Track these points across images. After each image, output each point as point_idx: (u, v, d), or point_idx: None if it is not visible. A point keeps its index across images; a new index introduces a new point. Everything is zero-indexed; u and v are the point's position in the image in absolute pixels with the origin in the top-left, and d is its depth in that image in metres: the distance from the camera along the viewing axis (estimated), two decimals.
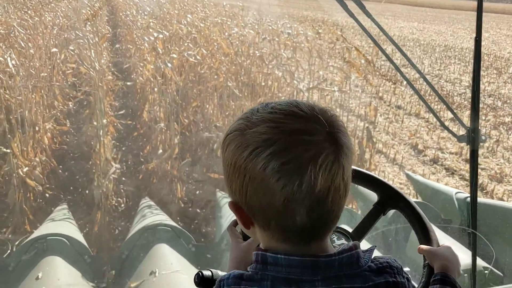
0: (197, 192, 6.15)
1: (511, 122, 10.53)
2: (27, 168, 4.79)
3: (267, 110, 0.80)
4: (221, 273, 1.16)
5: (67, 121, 7.66)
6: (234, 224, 1.16)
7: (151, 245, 3.83)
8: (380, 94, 11.88)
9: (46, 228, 3.95)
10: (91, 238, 4.89)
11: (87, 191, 5.58)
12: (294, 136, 0.76)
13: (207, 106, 7.02)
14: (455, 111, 2.33)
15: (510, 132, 9.90)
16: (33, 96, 5.55)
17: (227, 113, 6.85)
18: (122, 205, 5.65)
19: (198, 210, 5.89)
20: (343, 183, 0.78)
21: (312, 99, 6.44)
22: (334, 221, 0.81)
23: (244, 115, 0.83)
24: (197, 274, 1.16)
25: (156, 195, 5.61)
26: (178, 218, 5.45)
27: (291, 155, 0.75)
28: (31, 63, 5.80)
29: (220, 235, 4.16)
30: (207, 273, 1.15)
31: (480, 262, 3.21)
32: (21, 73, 5.14)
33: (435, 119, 10.19)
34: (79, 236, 3.97)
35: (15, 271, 3.57)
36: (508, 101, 12.36)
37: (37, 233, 3.89)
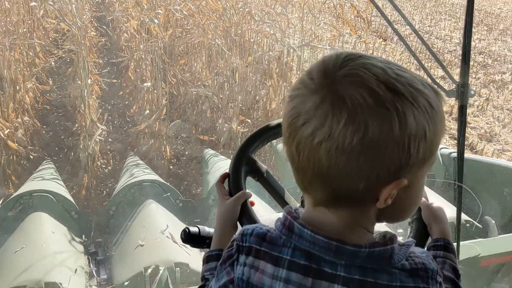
0: (186, 152, 6.05)
1: (501, 81, 10.48)
2: (8, 130, 4.60)
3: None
4: (208, 229, 1.16)
5: (50, 79, 7.39)
6: (222, 180, 1.14)
7: (138, 201, 3.78)
8: (371, 51, 11.68)
9: (31, 185, 3.86)
10: (78, 201, 4.79)
11: (72, 153, 5.43)
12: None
13: (195, 64, 6.80)
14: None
15: (500, 91, 9.85)
16: (11, 54, 5.27)
17: (215, 71, 6.65)
18: (109, 167, 5.53)
19: (187, 171, 5.80)
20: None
21: (303, 56, 6.26)
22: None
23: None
24: (184, 230, 1.15)
25: (144, 156, 5.49)
26: (167, 178, 5.36)
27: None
28: (8, 19, 5.49)
29: (207, 191, 4.13)
30: (194, 229, 1.15)
31: (463, 216, 3.21)
32: None
33: (425, 76, 10.05)
34: (65, 193, 3.89)
35: (1, 228, 3.51)
36: (499, 58, 12.26)
37: (22, 189, 3.81)
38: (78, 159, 4.73)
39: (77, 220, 3.77)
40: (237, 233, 0.83)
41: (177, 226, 3.87)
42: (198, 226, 1.17)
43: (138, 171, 4.29)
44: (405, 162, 0.69)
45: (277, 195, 1.18)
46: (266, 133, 1.17)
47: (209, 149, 5.26)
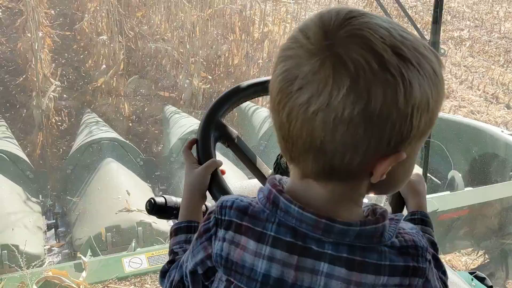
0: (146, 109, 5.87)
1: (460, 37, 10.65)
2: None
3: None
4: (175, 199, 1.09)
5: None
6: (189, 146, 1.06)
7: (96, 160, 3.67)
8: (333, 5, 11.53)
9: None
10: (34, 160, 4.60)
11: (25, 110, 5.17)
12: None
13: (153, 16, 6.51)
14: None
15: (458, 47, 10.02)
16: None
17: (175, 24, 6.40)
18: (65, 124, 5.31)
19: (147, 129, 5.66)
20: None
21: (266, 10, 6.10)
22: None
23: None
24: (149, 201, 1.07)
25: (102, 113, 5.29)
26: (126, 136, 5.22)
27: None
28: None
29: (169, 149, 4.04)
30: (159, 199, 1.07)
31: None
32: None
33: None
34: (19, 153, 3.72)
35: None
36: (457, 15, 12.41)
37: None
38: (31, 116, 4.50)
39: (32, 180, 3.63)
40: (214, 204, 0.76)
41: (138, 185, 3.81)
42: (164, 196, 1.09)
43: (96, 129, 4.15)
44: (406, 134, 0.64)
45: (248, 162, 1.12)
46: (237, 95, 1.10)
47: (170, 105, 5.13)
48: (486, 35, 10.31)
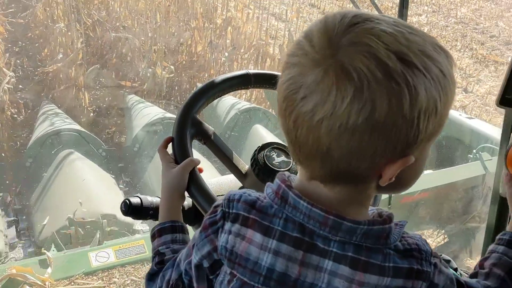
0: (107, 99, 5.71)
1: (418, 23, 10.86)
2: None
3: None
4: (150, 198, 1.07)
5: None
6: (165, 145, 1.04)
7: (57, 151, 3.56)
8: None
9: None
10: None
11: None
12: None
13: (112, 3, 6.31)
14: None
15: None
16: None
17: (134, 10, 6.22)
18: (21, 116, 5.10)
19: (108, 120, 5.51)
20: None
21: None
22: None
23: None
24: (124, 202, 1.05)
25: (61, 104, 5.11)
26: (87, 127, 5.07)
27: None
28: None
29: (132, 139, 3.98)
30: (135, 200, 1.05)
31: None
32: None
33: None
34: None
35: None
36: (416, 0, 12.63)
37: None
38: None
39: None
40: (222, 198, 0.76)
41: (101, 177, 3.72)
42: (140, 196, 1.07)
43: (55, 120, 4.01)
44: (413, 139, 0.64)
45: (225, 158, 1.11)
46: (211, 90, 1.09)
47: (132, 95, 5.01)
48: (443, 20, 10.55)
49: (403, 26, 0.64)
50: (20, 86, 5.30)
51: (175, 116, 1.08)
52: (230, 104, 4.50)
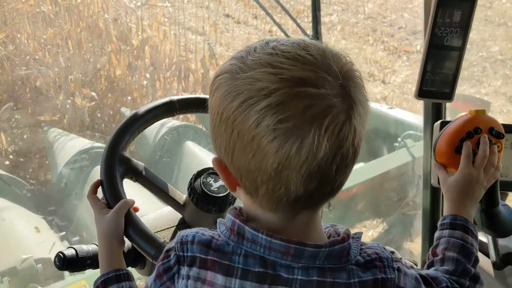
0: (25, 137, 5.39)
1: (330, 22, 11.28)
2: None
3: (267, 51, 0.64)
4: (85, 247, 1.02)
5: None
6: (94, 190, 1.00)
7: None
8: (207, 3, 11.57)
9: None
10: None
11: None
12: (297, 87, 0.61)
13: (19, 35, 5.98)
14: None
15: (331, 32, 10.60)
16: None
17: (41, 41, 5.94)
18: None
19: (30, 158, 5.19)
20: (352, 149, 0.65)
21: (142, 16, 5.91)
22: (335, 192, 0.69)
23: (238, 53, 0.67)
24: (57, 256, 0.99)
25: None
26: (8, 170, 4.75)
27: (291, 111, 0.61)
28: None
29: (57, 175, 3.82)
30: (69, 252, 1.00)
31: None
32: None
33: (263, 26, 10.41)
34: None
35: None
36: (325, 0, 13.11)
37: None
38: None
39: None
40: (174, 241, 0.72)
41: (28, 219, 3.49)
42: (73, 246, 1.01)
43: None
44: None
45: (160, 192, 1.08)
46: (135, 124, 1.05)
47: (53, 128, 4.75)
48: (353, 17, 11.02)
49: None
50: None
51: (102, 145, 1.04)
52: (157, 124, 4.38)
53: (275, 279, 0.68)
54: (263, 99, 0.61)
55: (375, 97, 6.78)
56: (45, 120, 4.81)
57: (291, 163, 0.62)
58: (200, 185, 1.07)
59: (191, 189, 1.07)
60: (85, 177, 3.76)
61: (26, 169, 5.02)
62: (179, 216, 1.10)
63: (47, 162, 5.06)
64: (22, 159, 5.08)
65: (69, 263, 0.99)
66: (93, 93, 5.07)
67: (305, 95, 0.61)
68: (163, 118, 1.13)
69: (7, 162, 4.68)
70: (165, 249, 0.74)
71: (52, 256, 3.21)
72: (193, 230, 0.72)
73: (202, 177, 1.08)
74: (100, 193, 1.00)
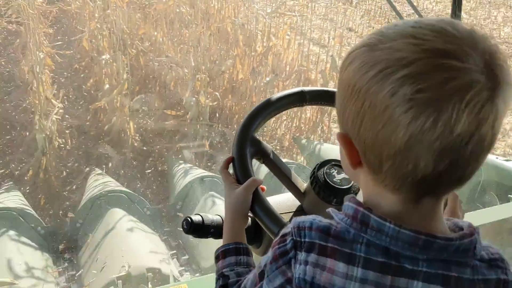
0: (149, 128, 5.75)
1: None
2: None
3: (409, 24, 0.63)
4: (211, 217, 1.08)
5: None
6: (226, 165, 1.05)
7: (104, 211, 3.60)
8: (331, 16, 11.51)
9: None
10: (37, 185, 4.46)
11: (27, 132, 5.03)
12: (440, 58, 0.59)
13: (155, 33, 6.40)
14: None
15: None
16: None
17: (175, 40, 6.30)
18: (68, 146, 5.17)
19: (152, 148, 5.53)
20: (492, 132, 0.62)
21: (269, 23, 6.00)
22: (463, 180, 0.65)
23: (378, 29, 0.66)
24: (186, 220, 1.07)
25: (107, 134, 5.17)
26: (132, 156, 5.09)
27: (431, 82, 0.59)
28: None
29: (175, 197, 4.01)
30: (196, 218, 1.07)
31: None
32: None
33: None
34: (29, 209, 3.61)
35: None
36: None
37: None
38: (34, 139, 4.36)
39: (44, 236, 3.51)
40: (289, 226, 0.72)
41: (145, 234, 3.67)
42: (201, 214, 1.07)
43: (103, 183, 4.03)
44: None
45: (283, 177, 1.10)
46: (268, 109, 1.09)
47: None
48: None
49: None
50: (67, 115, 5.40)
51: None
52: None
53: (398, 270, 0.66)
54: (402, 69, 0.59)
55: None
56: (170, 114, 5.07)
57: (424, 137, 0.59)
58: (323, 174, 1.07)
59: (314, 177, 1.07)
60: (194, 204, 3.91)
61: (147, 157, 5.36)
62: (297, 203, 1.12)
63: (165, 153, 5.36)
64: (145, 148, 5.43)
65: (195, 228, 1.05)
66: (217, 93, 5.24)
67: (447, 67, 0.59)
68: (292, 107, 1.16)
69: (131, 148, 5.01)
70: (280, 234, 0.74)
71: (161, 267, 3.35)
72: (309, 217, 0.71)
73: (326, 167, 1.08)
74: (230, 170, 1.05)
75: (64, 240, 3.86)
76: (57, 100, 4.59)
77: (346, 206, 0.70)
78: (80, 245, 3.64)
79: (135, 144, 5.18)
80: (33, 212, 3.64)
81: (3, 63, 6.85)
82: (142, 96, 4.90)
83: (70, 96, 6.40)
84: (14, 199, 3.74)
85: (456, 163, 0.62)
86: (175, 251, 3.82)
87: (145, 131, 5.56)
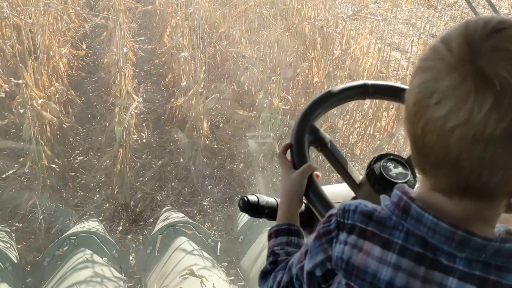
0: (220, 125, 5.80)
1: None
2: (42, 100, 4.41)
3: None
4: (266, 198, 1.13)
5: (83, 44, 7.17)
6: (284, 151, 1.09)
7: (172, 240, 3.74)
8: (413, 20, 11.03)
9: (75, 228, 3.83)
10: (113, 176, 4.63)
11: (107, 123, 5.25)
12: None
13: (234, 32, 6.44)
14: None
15: None
16: (45, 18, 5.02)
17: (252, 39, 6.30)
18: (144, 139, 5.34)
19: (222, 146, 5.58)
20: None
21: (349, 26, 5.83)
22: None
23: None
24: (242, 199, 1.12)
25: (180, 128, 5.27)
26: (202, 154, 5.15)
27: None
28: None
29: (236, 232, 4.06)
30: (252, 198, 1.11)
31: None
32: None
33: None
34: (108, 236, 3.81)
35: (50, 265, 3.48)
36: None
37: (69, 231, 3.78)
38: (113, 130, 4.53)
39: (118, 259, 3.66)
40: (337, 208, 0.77)
41: (206, 263, 3.66)
42: (257, 194, 1.12)
43: (173, 216, 4.13)
44: None
45: (340, 167, 1.12)
46: (329, 100, 1.11)
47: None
48: None
49: None
50: (144, 108, 5.58)
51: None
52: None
53: (434, 263, 0.66)
54: None
55: None
56: (242, 114, 5.08)
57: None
58: (380, 168, 1.07)
59: (370, 170, 1.08)
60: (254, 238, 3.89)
61: (217, 155, 5.41)
62: (351, 194, 1.12)
63: (235, 152, 5.39)
64: (215, 146, 5.49)
65: (250, 207, 1.10)
66: (289, 97, 5.17)
67: None
68: (354, 100, 1.17)
69: (203, 145, 5.07)
70: (328, 214, 0.78)
71: None
72: (357, 201, 0.74)
73: (383, 161, 1.09)
74: (288, 156, 1.08)
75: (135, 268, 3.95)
76: (137, 93, 4.73)
77: (393, 194, 0.71)
78: (149, 272, 3.70)
79: (207, 141, 5.25)
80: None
81: (89, 54, 7.23)
82: (217, 96, 4.94)
83: (149, 90, 6.62)
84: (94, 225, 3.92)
85: None
86: (232, 277, 3.84)
87: (217, 128, 5.63)
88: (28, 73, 4.28)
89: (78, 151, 5.34)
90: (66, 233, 3.70)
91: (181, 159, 5.19)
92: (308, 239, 0.81)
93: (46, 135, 4.55)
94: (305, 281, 0.80)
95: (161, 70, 6.94)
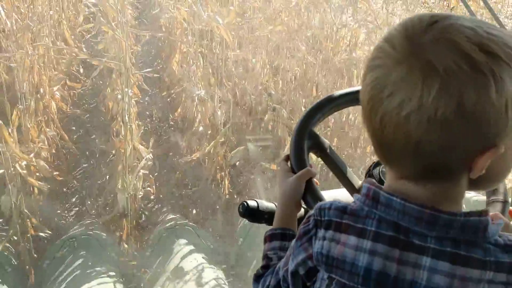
0: (242, 179, 4.88)
1: None
2: (25, 162, 3.50)
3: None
4: (266, 203, 1.13)
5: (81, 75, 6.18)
6: (286, 158, 1.09)
7: (172, 243, 3.73)
8: None
9: None
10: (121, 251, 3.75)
11: (107, 177, 4.36)
12: None
13: (253, 59, 5.53)
14: None
15: None
16: (35, 52, 4.11)
17: (275, 67, 5.43)
18: (153, 209, 4.37)
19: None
20: None
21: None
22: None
23: None
24: (242, 204, 1.12)
25: (194, 185, 4.39)
26: (221, 213, 4.30)
27: None
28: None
29: (242, 241, 4.04)
30: (252, 203, 1.12)
31: None
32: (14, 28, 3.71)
33: None
34: None
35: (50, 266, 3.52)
36: None
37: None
38: (115, 200, 3.65)
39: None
40: (314, 208, 0.79)
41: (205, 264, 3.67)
42: (257, 200, 1.12)
43: (173, 219, 4.09)
44: (502, 127, 0.66)
45: (339, 172, 1.12)
46: (328, 105, 1.11)
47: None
48: None
49: (481, 22, 0.66)
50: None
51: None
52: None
53: (407, 245, 0.70)
54: None
55: None
56: (270, 168, 4.22)
57: None
58: (379, 173, 1.10)
59: (369, 175, 1.11)
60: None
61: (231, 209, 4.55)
62: (351, 199, 0.99)
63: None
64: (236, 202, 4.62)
65: (249, 213, 1.11)
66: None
67: None
68: (354, 105, 1.11)
69: (223, 207, 4.21)
70: (306, 216, 0.82)
71: None
72: (331, 200, 0.79)
73: (382, 166, 1.10)
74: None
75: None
76: (147, 148, 3.84)
77: (363, 187, 0.76)
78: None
79: (227, 196, 4.38)
80: None
81: (87, 88, 6.26)
82: (242, 148, 4.05)
83: (153, 119, 5.74)
84: None
85: None
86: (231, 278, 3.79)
87: (238, 185, 4.66)
88: (10, 129, 3.40)
89: (73, 213, 4.41)
90: (66, 236, 3.64)
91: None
92: (292, 243, 0.83)
93: (31, 203, 3.66)
94: (290, 281, 0.83)
95: (168, 99, 6.01)
